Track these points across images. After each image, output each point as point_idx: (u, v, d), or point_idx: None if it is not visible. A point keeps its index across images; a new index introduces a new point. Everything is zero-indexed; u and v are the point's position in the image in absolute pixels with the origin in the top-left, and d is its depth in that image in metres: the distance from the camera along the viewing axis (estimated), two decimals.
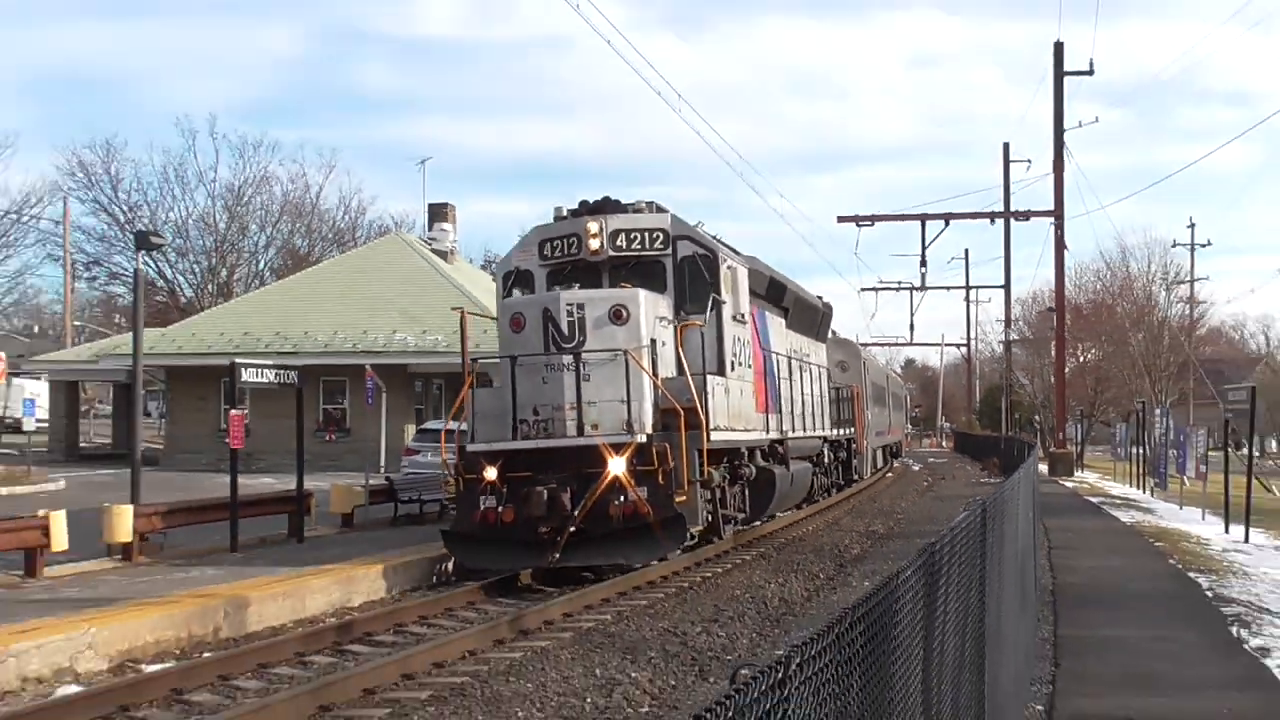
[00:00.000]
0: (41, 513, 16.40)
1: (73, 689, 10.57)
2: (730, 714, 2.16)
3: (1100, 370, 66.10)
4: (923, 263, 51.34)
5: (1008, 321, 71.14)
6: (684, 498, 15.47)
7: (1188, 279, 65.81)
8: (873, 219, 49.21)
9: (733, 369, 18.42)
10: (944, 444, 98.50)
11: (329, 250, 70.74)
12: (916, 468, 58.66)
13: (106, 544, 17.19)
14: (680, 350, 17.06)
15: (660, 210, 18.37)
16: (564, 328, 16.04)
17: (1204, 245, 65.42)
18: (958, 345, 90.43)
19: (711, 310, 17.77)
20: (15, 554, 15.81)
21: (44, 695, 10.43)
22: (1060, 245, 48.39)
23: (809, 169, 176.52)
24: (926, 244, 49.55)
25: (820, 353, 29.70)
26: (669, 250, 17.91)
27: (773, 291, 23.53)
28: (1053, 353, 54.87)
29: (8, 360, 46.59)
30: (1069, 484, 42.92)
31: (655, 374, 16.25)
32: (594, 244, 17.63)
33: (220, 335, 41.73)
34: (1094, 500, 34.92)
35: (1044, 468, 42.08)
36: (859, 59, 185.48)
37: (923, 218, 49.65)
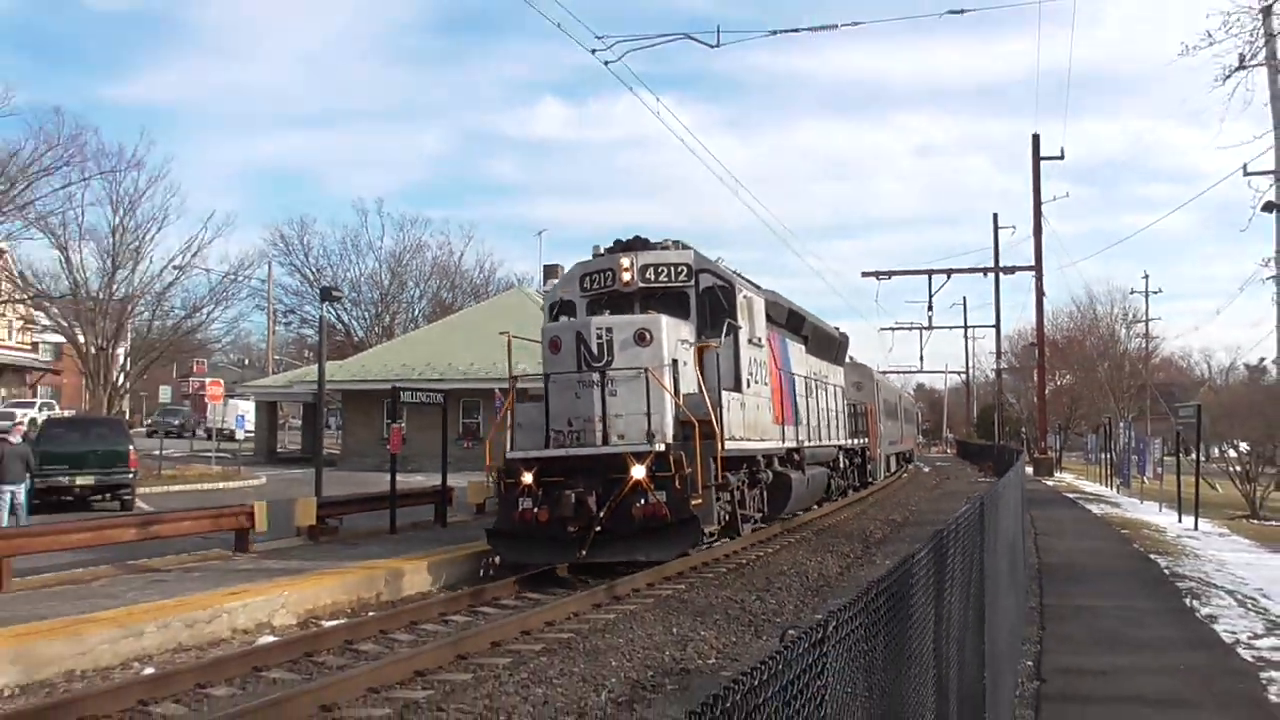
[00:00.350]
0: (248, 503, 16.74)
1: (269, 639, 10.71)
2: (780, 665, 2.13)
3: (1074, 392, 66.14)
4: (929, 308, 52.80)
5: (998, 354, 70.69)
6: (699, 501, 14.19)
7: (1144, 319, 64.70)
8: (889, 274, 49.32)
9: (748, 385, 16.94)
10: (948, 451, 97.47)
11: (467, 301, 71.45)
12: (926, 470, 57.80)
13: (296, 527, 17.44)
14: (699, 369, 15.66)
15: (685, 248, 17.08)
16: (594, 349, 14.77)
17: (1156, 292, 64.47)
18: (958, 373, 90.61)
19: (728, 334, 16.37)
20: (228, 534, 16.13)
21: (248, 643, 10.58)
22: (1040, 294, 48.51)
23: (837, 236, 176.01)
24: (933, 293, 51.27)
25: (838, 375, 27.79)
26: (692, 282, 16.63)
27: (792, 321, 22.23)
28: (1035, 379, 54.67)
29: (225, 385, 47.74)
30: (1050, 483, 42.04)
31: (676, 390, 14.80)
32: (626, 276, 16.52)
33: (384, 366, 42.24)
34: (1070, 496, 34.16)
35: (1029, 470, 41.26)
36: (876, 150, 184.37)
37: (929, 272, 50.58)
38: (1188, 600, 12.89)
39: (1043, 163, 46.82)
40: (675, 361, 15.01)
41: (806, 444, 21.47)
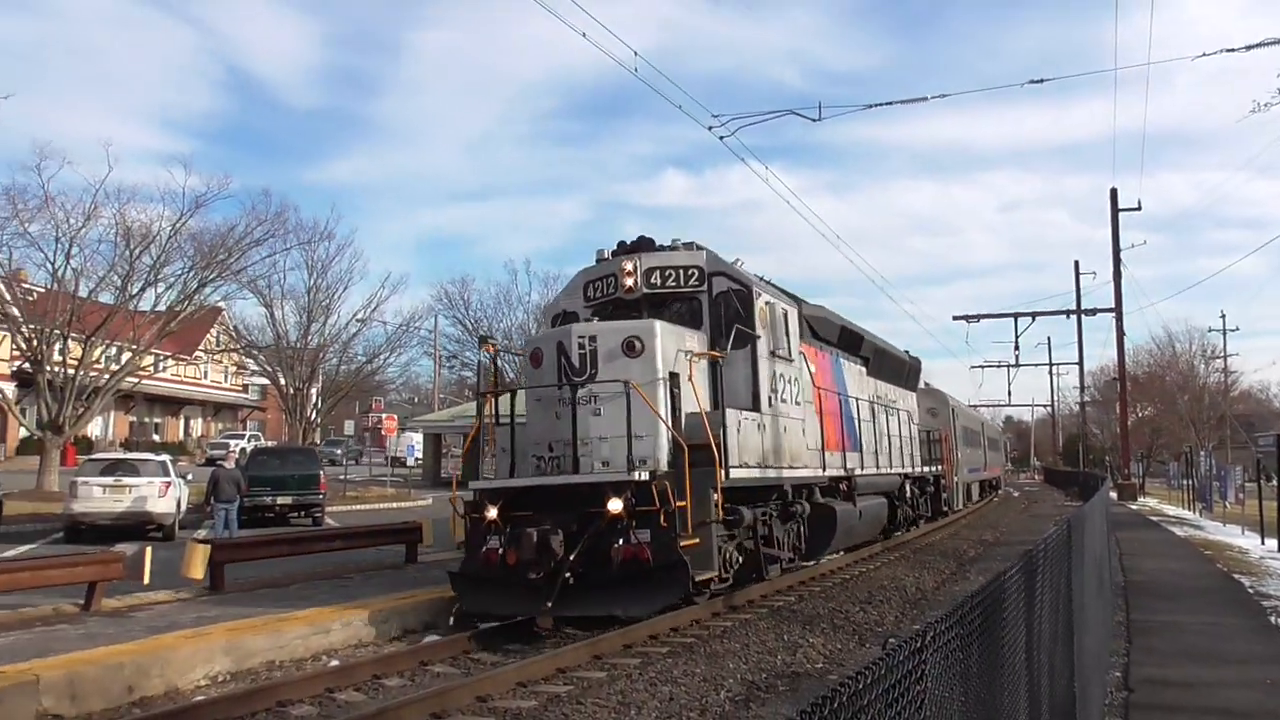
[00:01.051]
0: (416, 521, 17.17)
1: (433, 637, 10.88)
2: (883, 671, 2.08)
3: (1155, 423, 62.97)
4: (1016, 347, 51.14)
5: (1081, 389, 68.15)
6: (693, 541, 10.65)
7: (1222, 355, 61.37)
8: (978, 317, 47.95)
9: (769, 404, 12.92)
10: (1035, 478, 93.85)
11: None
12: (1015, 494, 55.63)
13: (456, 542, 17.77)
14: (712, 385, 12.31)
15: (699, 249, 13.37)
16: (575, 360, 11.38)
17: (1234, 330, 61.24)
18: (1044, 406, 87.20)
19: (742, 345, 12.58)
20: (400, 546, 16.56)
21: (417, 640, 10.77)
22: (1120, 333, 46.64)
23: (929, 283, 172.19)
24: (1019, 334, 49.34)
25: (908, 400, 23.83)
26: (704, 287, 12.98)
27: (847, 340, 18.33)
28: (1117, 411, 52.22)
29: (398, 420, 49.35)
30: (1134, 507, 39.84)
31: (675, 408, 11.33)
32: (629, 281, 12.97)
33: None
34: (1154, 519, 32.29)
35: (1114, 494, 39.21)
36: (964, 206, 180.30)
37: (1015, 315, 49.02)
38: (1273, 618, 11.99)
39: (1121, 213, 45.16)
40: (675, 375, 11.51)
41: (860, 472, 17.15)
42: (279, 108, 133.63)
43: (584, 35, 14.41)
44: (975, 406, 54.19)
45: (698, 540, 10.66)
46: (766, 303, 13.39)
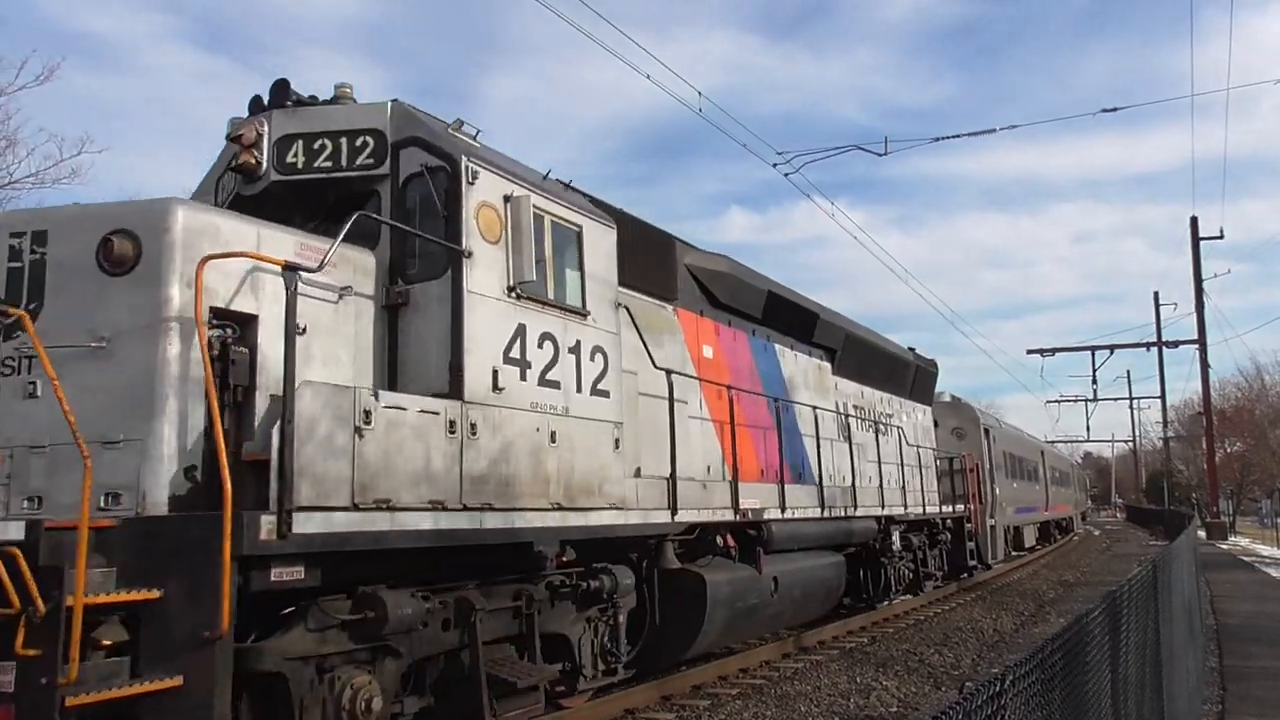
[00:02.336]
0: None
1: None
2: (959, 717, 2.02)
3: (1245, 459, 60.34)
4: (1094, 381, 50.13)
5: (1165, 424, 65.80)
6: (67, 680, 4.45)
7: None
8: (1053, 351, 46.86)
9: (505, 386, 6.99)
10: (1117, 515, 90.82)
11: None
12: (1096, 533, 53.87)
13: None
14: (374, 348, 6.74)
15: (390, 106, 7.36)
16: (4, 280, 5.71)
17: None
18: (1125, 441, 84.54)
19: (443, 271, 6.88)
20: None
21: None
22: (1204, 366, 44.80)
23: (1000, 317, 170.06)
24: (1096, 367, 48.59)
25: (916, 414, 18.38)
26: (386, 167, 7.16)
27: (784, 315, 12.60)
28: (1204, 446, 50.27)
29: None
30: (1224, 546, 38.23)
31: (222, 387, 5.59)
32: (250, 158, 7.13)
33: None
34: (1246, 559, 30.90)
35: (1202, 534, 37.70)
36: (1035, 239, 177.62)
37: (1092, 348, 48.07)
38: None
39: (1202, 242, 43.87)
40: (245, 318, 5.89)
41: (786, 515, 11.18)
42: None
43: (648, 77, 14.62)
44: (1053, 443, 52.64)
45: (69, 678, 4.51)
46: (509, 197, 7.28)
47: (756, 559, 10.31)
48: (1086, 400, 60.38)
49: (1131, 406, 75.89)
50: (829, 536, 12.64)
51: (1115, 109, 19.84)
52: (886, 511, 14.76)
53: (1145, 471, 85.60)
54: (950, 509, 18.75)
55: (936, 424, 20.38)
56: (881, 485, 14.82)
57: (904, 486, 16.13)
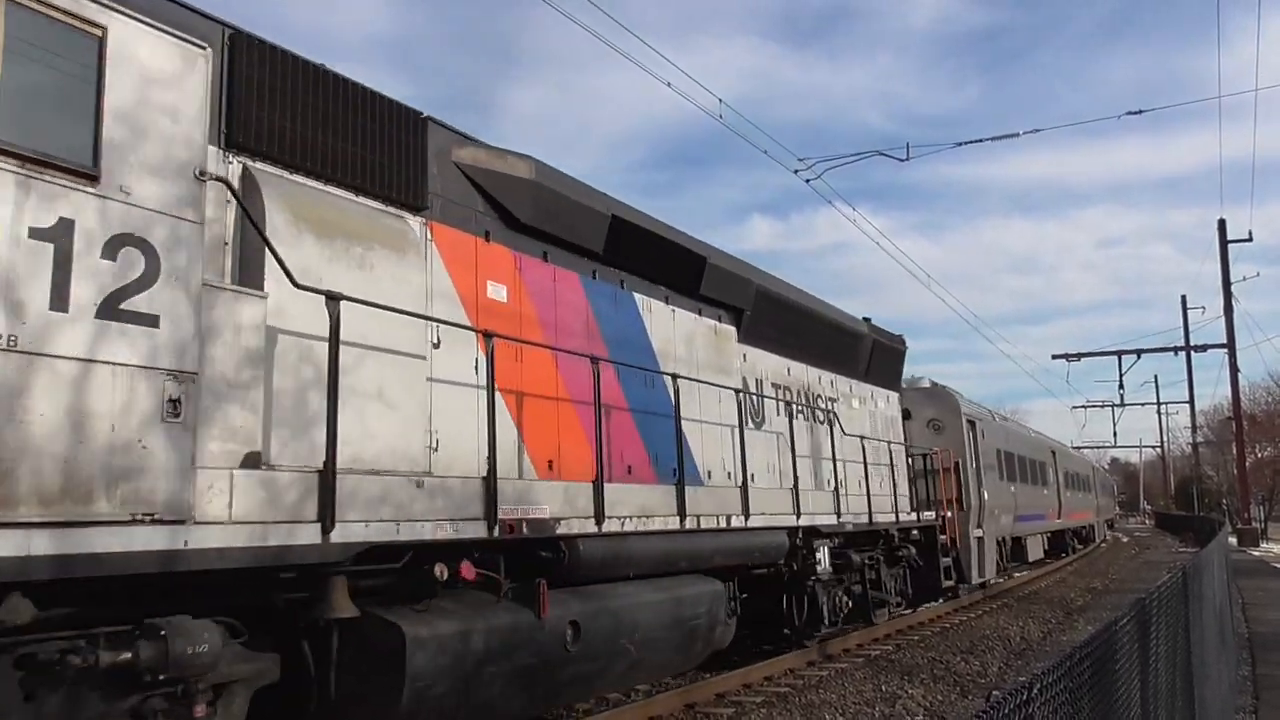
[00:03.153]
0: None
1: None
2: None
3: (1276, 464, 59.43)
4: (1120, 386, 49.53)
5: (1194, 429, 64.83)
6: None
7: None
8: (1079, 355, 46.29)
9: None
10: (1146, 521, 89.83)
11: None
12: (1125, 539, 53.26)
13: None
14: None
15: None
16: None
17: None
18: (1153, 447, 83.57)
19: None
20: None
21: None
22: (1234, 370, 44.01)
23: (1025, 322, 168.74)
24: (1123, 372, 48.13)
25: (877, 401, 15.20)
26: None
27: (644, 251, 9.37)
28: (1234, 452, 49.58)
29: None
30: (1256, 553, 37.63)
31: None
32: None
33: None
34: (1278, 566, 30.46)
35: (1233, 540, 37.15)
36: (1059, 243, 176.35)
37: (1119, 353, 47.48)
38: None
39: (1230, 245, 43.30)
40: None
41: (599, 527, 7.46)
42: None
43: (669, 85, 14.61)
44: (1079, 448, 51.99)
45: None
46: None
47: (535, 596, 6.64)
48: (1113, 405, 59.71)
49: (1160, 411, 74.97)
50: (699, 556, 8.84)
51: (1140, 111, 19.55)
52: (807, 520, 10.93)
53: (1174, 477, 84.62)
54: (916, 516, 15.00)
55: (910, 415, 17.20)
56: (796, 486, 10.96)
57: (841, 488, 12.14)
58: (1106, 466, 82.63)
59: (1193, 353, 52.37)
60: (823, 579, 11.68)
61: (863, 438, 13.41)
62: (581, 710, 8.45)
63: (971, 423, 19.45)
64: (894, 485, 14.38)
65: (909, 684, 10.57)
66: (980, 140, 22.64)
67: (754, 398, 10.99)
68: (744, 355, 11.03)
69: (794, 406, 11.81)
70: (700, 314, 10.29)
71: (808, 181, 18.99)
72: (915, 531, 14.94)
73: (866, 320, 15.40)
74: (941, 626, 15.16)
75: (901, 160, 19.96)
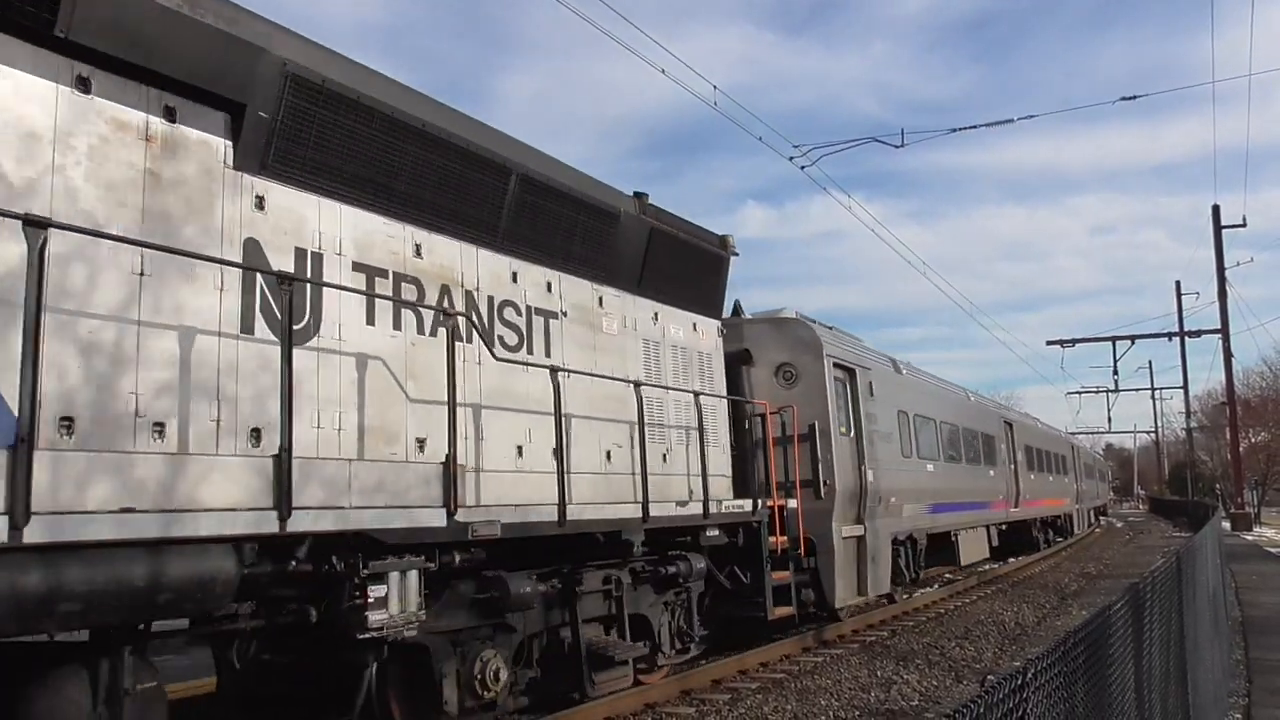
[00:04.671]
0: None
1: None
2: (981, 710, 2.01)
3: (1270, 449, 59.84)
4: (1115, 372, 49.55)
5: (1188, 414, 65.20)
6: None
7: None
8: (1073, 341, 46.48)
9: None
10: (1140, 507, 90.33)
11: None
12: (1119, 525, 53.55)
13: None
14: None
15: None
16: None
17: None
18: (1147, 432, 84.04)
19: None
20: None
21: None
22: (1228, 355, 44.25)
23: (1020, 309, 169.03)
24: (1117, 358, 48.17)
25: (666, 325, 9.96)
26: None
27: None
28: (1227, 436, 49.89)
29: None
30: (1249, 537, 37.84)
31: None
32: None
33: None
34: (1272, 550, 30.60)
35: (1227, 525, 37.34)
36: (1053, 230, 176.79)
37: (1113, 339, 47.88)
38: None
39: (1224, 231, 43.38)
40: None
41: None
42: None
43: (663, 72, 14.56)
44: (1073, 434, 52.08)
45: None
46: None
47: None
48: (1108, 391, 59.84)
49: (1154, 397, 75.22)
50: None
51: (1134, 97, 19.55)
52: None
53: (1168, 462, 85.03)
54: (716, 507, 9.61)
55: (751, 358, 12.28)
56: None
57: (565, 459, 7.48)
58: (1101, 451, 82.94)
59: (1187, 338, 52.66)
60: (395, 639, 6.09)
61: (631, 381, 8.67)
62: (581, 697, 8.47)
63: (849, 370, 13.45)
64: (701, 458, 9.58)
65: (904, 669, 10.62)
66: (975, 126, 22.59)
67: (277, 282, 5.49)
68: (259, 197, 5.83)
69: (448, 318, 6.58)
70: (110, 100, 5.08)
71: (803, 168, 18.94)
72: (717, 532, 9.86)
73: (640, 197, 9.56)
74: (936, 612, 15.23)
75: (896, 147, 19.93)
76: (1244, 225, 43.58)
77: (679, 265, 10.18)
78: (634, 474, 8.59)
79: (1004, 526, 22.95)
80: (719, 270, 11.00)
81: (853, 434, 13.30)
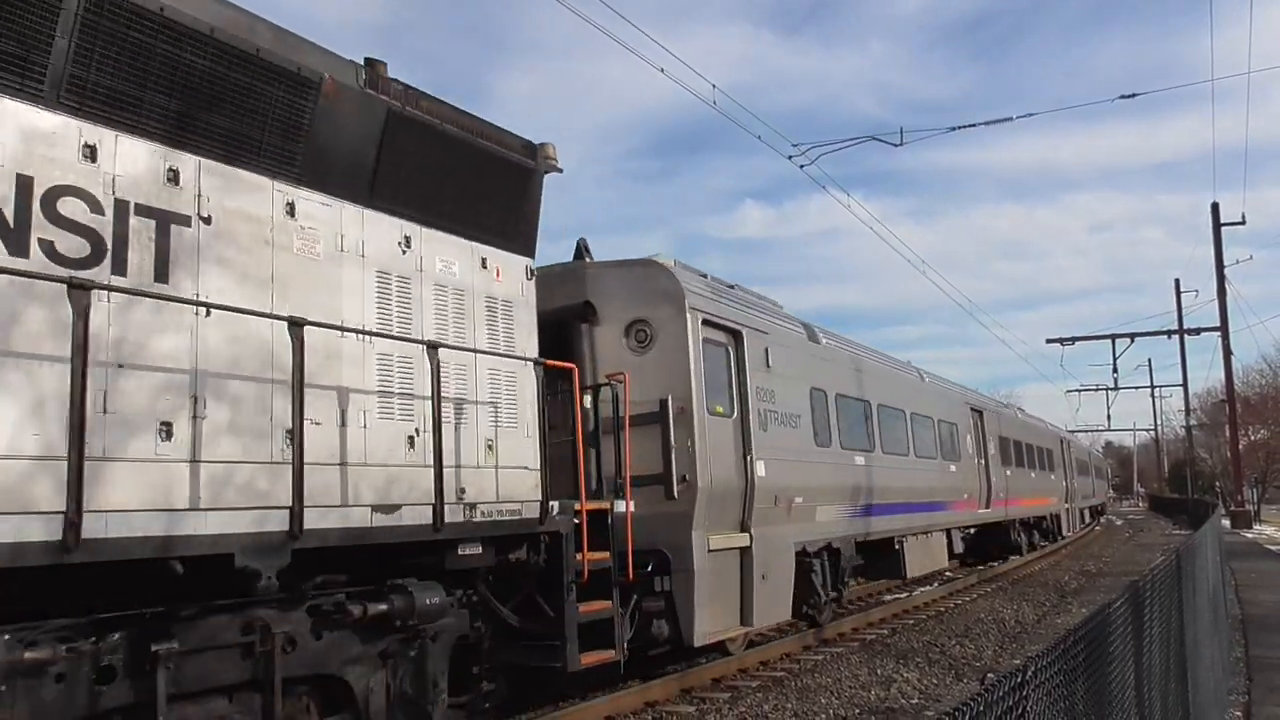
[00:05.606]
0: None
1: None
2: (981, 708, 2.01)
3: (1270, 446, 59.97)
4: (1114, 370, 49.65)
5: (1187, 412, 65.19)
6: None
7: None
8: (1073, 340, 46.54)
9: None
10: (1140, 505, 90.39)
11: None
12: (1119, 522, 53.60)
13: None
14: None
15: None
16: None
17: None
18: (1146, 430, 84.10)
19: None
20: None
21: None
22: (1227, 353, 44.30)
23: (1019, 308, 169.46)
24: (1117, 356, 48.47)
25: (422, 254, 6.73)
26: None
27: None
28: (1227, 434, 49.94)
29: None
30: (1249, 535, 37.85)
31: None
32: None
33: None
34: (1272, 548, 30.60)
35: (1227, 522, 37.33)
36: (1051, 229, 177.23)
37: (1112, 336, 48.03)
38: None
39: (1224, 228, 43.41)
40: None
41: None
42: None
43: (662, 70, 14.54)
44: (1073, 431, 52.01)
45: None
46: None
47: None
48: (1108, 389, 59.85)
49: (1154, 395, 75.20)
50: None
51: (1134, 95, 19.54)
52: None
53: (1168, 460, 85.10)
54: (473, 512, 6.71)
55: (596, 314, 9.62)
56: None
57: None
58: (1101, 449, 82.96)
59: (1186, 336, 52.72)
60: None
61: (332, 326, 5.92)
62: (578, 697, 8.48)
63: (731, 332, 10.29)
64: (486, 443, 6.97)
65: (904, 667, 10.63)
66: (974, 125, 22.57)
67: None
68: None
69: None
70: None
71: (802, 167, 18.92)
72: (478, 549, 6.83)
73: (374, 66, 6.49)
74: (936, 610, 15.24)
75: (895, 145, 19.89)
76: (1243, 223, 43.66)
77: (450, 173, 7.01)
78: (347, 464, 5.88)
79: (972, 530, 20.43)
80: (525, 188, 7.74)
81: (735, 415, 10.13)
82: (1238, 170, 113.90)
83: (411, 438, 6.36)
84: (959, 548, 19.14)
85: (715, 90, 17.00)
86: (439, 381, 6.41)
